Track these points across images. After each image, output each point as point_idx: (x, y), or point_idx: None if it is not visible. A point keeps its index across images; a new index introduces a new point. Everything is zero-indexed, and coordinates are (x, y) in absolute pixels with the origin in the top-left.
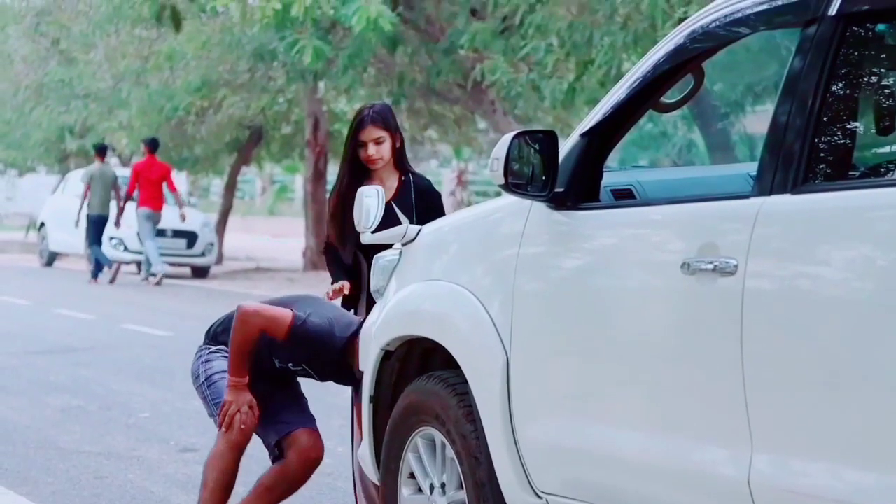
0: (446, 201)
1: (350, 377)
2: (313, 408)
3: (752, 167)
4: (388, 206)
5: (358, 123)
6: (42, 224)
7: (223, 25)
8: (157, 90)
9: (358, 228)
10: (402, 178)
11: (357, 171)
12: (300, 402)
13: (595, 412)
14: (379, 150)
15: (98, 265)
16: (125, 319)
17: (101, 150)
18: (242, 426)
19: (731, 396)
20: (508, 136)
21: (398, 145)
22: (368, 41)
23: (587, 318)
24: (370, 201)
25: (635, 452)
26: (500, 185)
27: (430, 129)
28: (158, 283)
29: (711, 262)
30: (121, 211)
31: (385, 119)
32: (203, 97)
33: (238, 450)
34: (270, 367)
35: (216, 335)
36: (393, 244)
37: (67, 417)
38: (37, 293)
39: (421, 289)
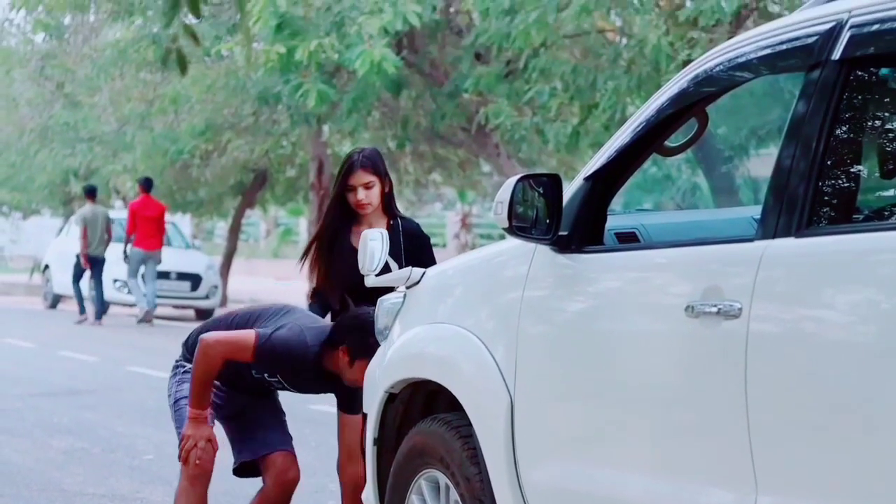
0: (450, 244)
1: (331, 384)
2: (324, 444)
3: (755, 211)
4: None
5: (347, 168)
6: (46, 266)
7: (228, 69)
8: (161, 133)
9: (362, 271)
10: (391, 223)
11: (345, 216)
12: (279, 419)
13: (599, 455)
14: (368, 194)
15: (102, 305)
16: (129, 362)
17: (91, 192)
18: (197, 461)
19: (735, 439)
20: (512, 180)
21: (387, 190)
22: (372, 85)
23: (591, 361)
24: (374, 244)
25: (640, 496)
26: (505, 229)
27: (435, 172)
28: (144, 321)
29: (715, 306)
30: (125, 249)
31: (375, 164)
32: (207, 140)
33: (201, 483)
34: (250, 379)
35: (194, 347)
36: (395, 287)
37: (71, 460)
38: (41, 335)
39: (425, 331)
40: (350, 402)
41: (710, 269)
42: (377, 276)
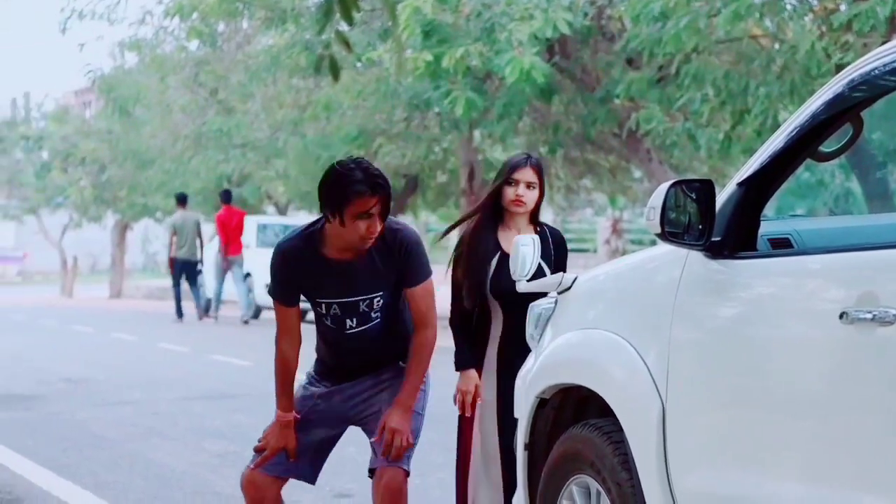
0: (601, 249)
1: (358, 270)
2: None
3: None
4: None
5: (516, 163)
6: (247, 274)
7: (379, 75)
8: (313, 139)
9: (513, 276)
10: (538, 229)
11: (493, 215)
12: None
13: (752, 462)
14: (528, 194)
15: (200, 303)
16: None
17: (182, 199)
18: (252, 466)
19: (890, 447)
20: (665, 186)
21: (539, 202)
22: (522, 91)
23: (744, 367)
24: (526, 250)
25: (793, 503)
26: (657, 234)
27: (586, 177)
28: (246, 322)
29: (870, 312)
30: (224, 260)
31: (541, 168)
32: (359, 146)
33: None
34: (335, 337)
35: None
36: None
37: (224, 463)
38: (194, 339)
39: (576, 337)
40: (407, 277)
41: (865, 276)
42: (528, 281)
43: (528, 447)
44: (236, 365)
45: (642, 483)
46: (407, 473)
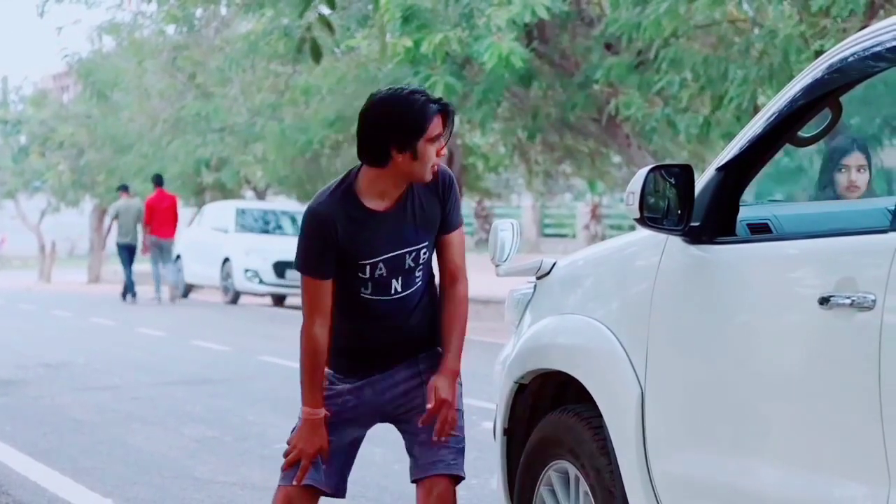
0: (580, 234)
1: (401, 222)
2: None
3: (889, 202)
4: None
5: (844, 149)
6: (178, 256)
7: (358, 61)
8: (291, 124)
9: (492, 262)
10: None
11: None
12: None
13: (731, 447)
14: (861, 177)
15: (132, 286)
16: (261, 351)
17: (125, 188)
18: (295, 482)
19: (868, 432)
20: (644, 170)
21: (868, 184)
22: (502, 76)
23: (722, 352)
24: (505, 235)
25: (772, 487)
26: (636, 219)
27: (565, 163)
28: (132, 302)
29: (849, 297)
30: (144, 244)
31: (867, 149)
32: (338, 131)
33: None
34: (362, 307)
35: None
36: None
37: (203, 448)
38: (173, 324)
39: (555, 322)
40: (450, 218)
41: (844, 261)
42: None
43: (507, 433)
44: (215, 350)
45: (621, 468)
46: (461, 479)
